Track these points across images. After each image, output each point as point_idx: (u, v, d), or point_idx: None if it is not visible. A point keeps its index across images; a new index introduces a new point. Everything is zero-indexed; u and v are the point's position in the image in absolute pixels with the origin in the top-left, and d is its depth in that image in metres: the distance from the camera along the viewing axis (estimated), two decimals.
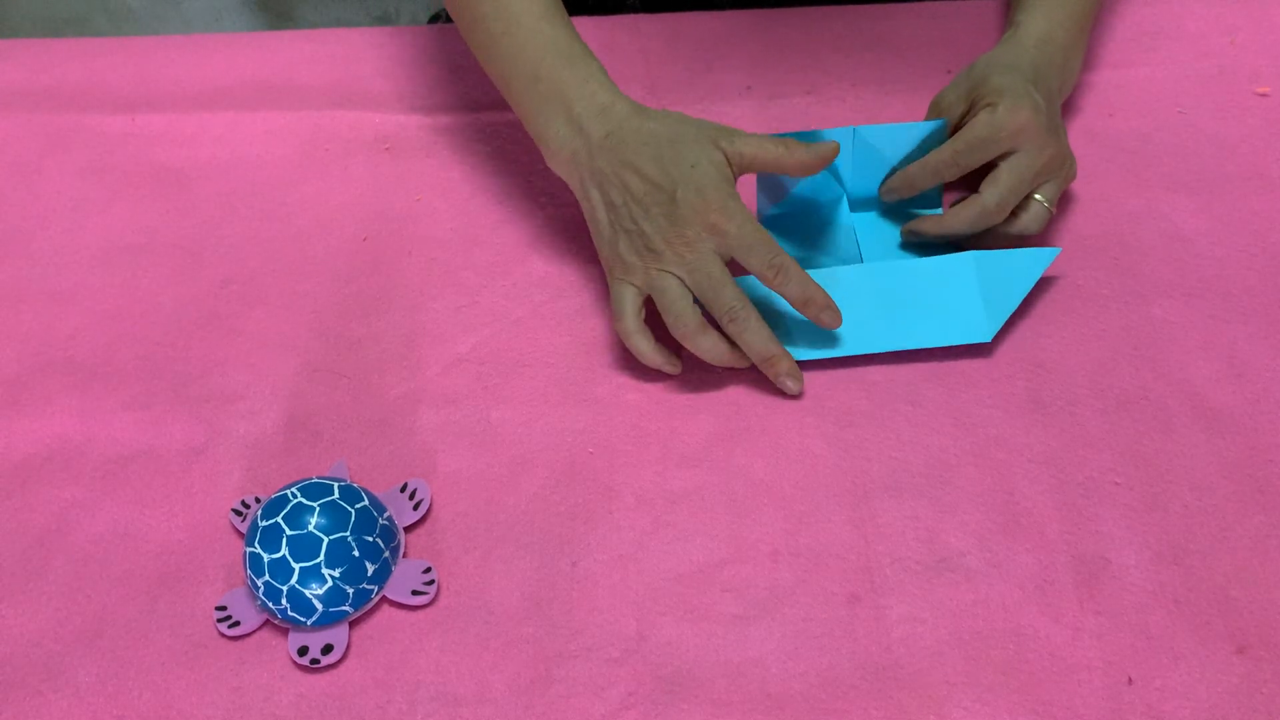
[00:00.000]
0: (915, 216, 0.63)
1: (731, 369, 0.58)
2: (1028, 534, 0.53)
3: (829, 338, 0.59)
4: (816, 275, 0.59)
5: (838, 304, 0.57)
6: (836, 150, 0.58)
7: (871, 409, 0.57)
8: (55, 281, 0.66)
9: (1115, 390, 0.57)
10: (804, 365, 0.59)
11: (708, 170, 0.56)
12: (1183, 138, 0.69)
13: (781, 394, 0.58)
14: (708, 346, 0.56)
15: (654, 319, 0.58)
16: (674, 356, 0.58)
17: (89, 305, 0.65)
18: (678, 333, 0.56)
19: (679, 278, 0.56)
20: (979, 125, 0.59)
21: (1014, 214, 0.60)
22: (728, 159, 0.57)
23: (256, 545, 0.51)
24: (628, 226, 0.57)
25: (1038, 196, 0.60)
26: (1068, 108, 0.71)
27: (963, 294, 0.59)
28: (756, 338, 0.56)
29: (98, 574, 0.54)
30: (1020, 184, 0.59)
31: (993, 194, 0.59)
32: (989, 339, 0.58)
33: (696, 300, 0.57)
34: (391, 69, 0.76)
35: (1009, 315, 0.58)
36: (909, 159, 0.63)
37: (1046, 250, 0.59)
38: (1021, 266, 0.59)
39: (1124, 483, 0.54)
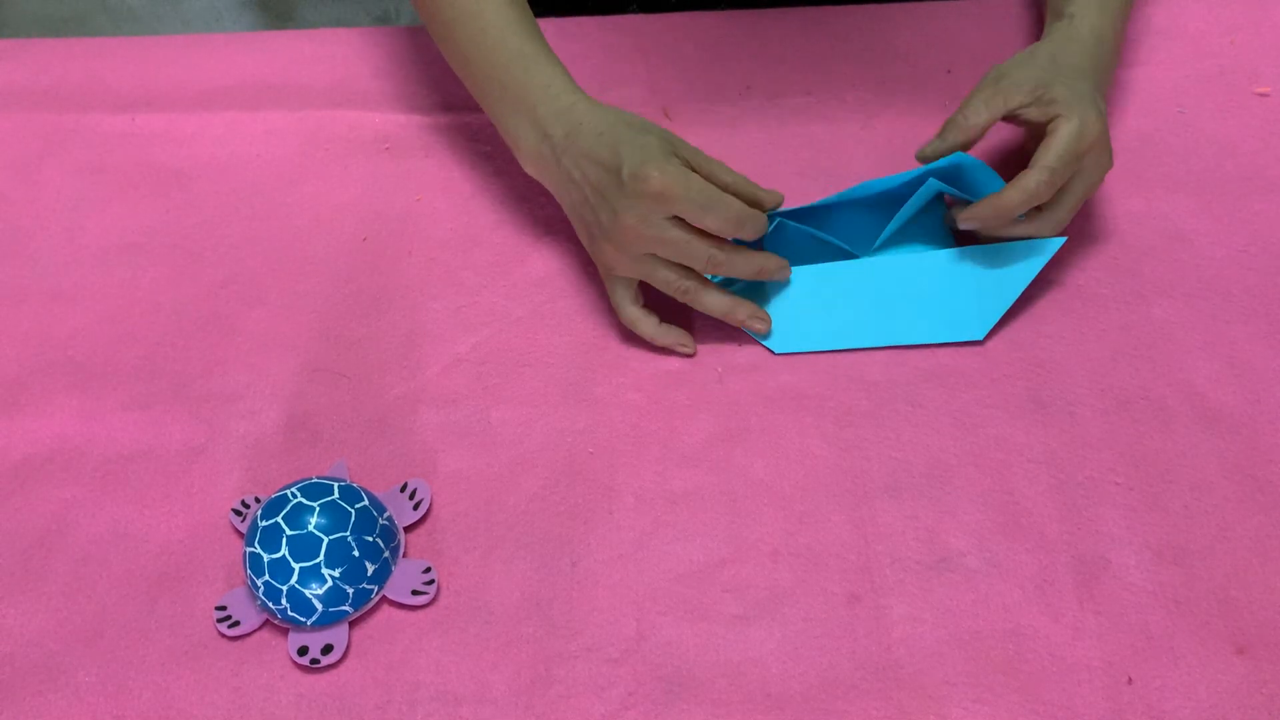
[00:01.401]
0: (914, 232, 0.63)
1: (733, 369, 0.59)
2: (1028, 534, 0.53)
3: (823, 332, 0.59)
4: (813, 271, 0.60)
5: (832, 300, 0.59)
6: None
7: (871, 409, 0.57)
8: (55, 281, 0.66)
9: (1115, 390, 0.57)
10: (804, 366, 0.59)
11: (652, 144, 0.56)
12: (1183, 138, 0.69)
13: (781, 394, 0.58)
14: (711, 302, 0.59)
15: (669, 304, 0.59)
16: (685, 334, 0.60)
17: (89, 305, 0.65)
18: (681, 299, 0.58)
19: (652, 254, 0.57)
20: (1066, 140, 0.56)
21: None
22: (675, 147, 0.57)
23: (256, 545, 0.51)
24: (592, 219, 0.58)
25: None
26: None
27: (959, 289, 0.59)
28: (742, 262, 0.58)
29: (98, 574, 0.54)
30: (1084, 197, 0.59)
31: (1063, 208, 0.58)
32: (980, 337, 0.58)
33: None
34: (391, 69, 0.76)
35: (1003, 311, 0.59)
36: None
37: (1051, 241, 0.59)
38: (1021, 259, 0.59)
39: (1124, 483, 0.54)
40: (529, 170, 0.62)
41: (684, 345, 0.60)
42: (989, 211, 0.57)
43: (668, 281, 0.58)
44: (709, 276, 0.60)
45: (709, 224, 0.56)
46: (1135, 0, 0.67)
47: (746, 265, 0.58)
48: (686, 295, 0.58)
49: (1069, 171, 0.57)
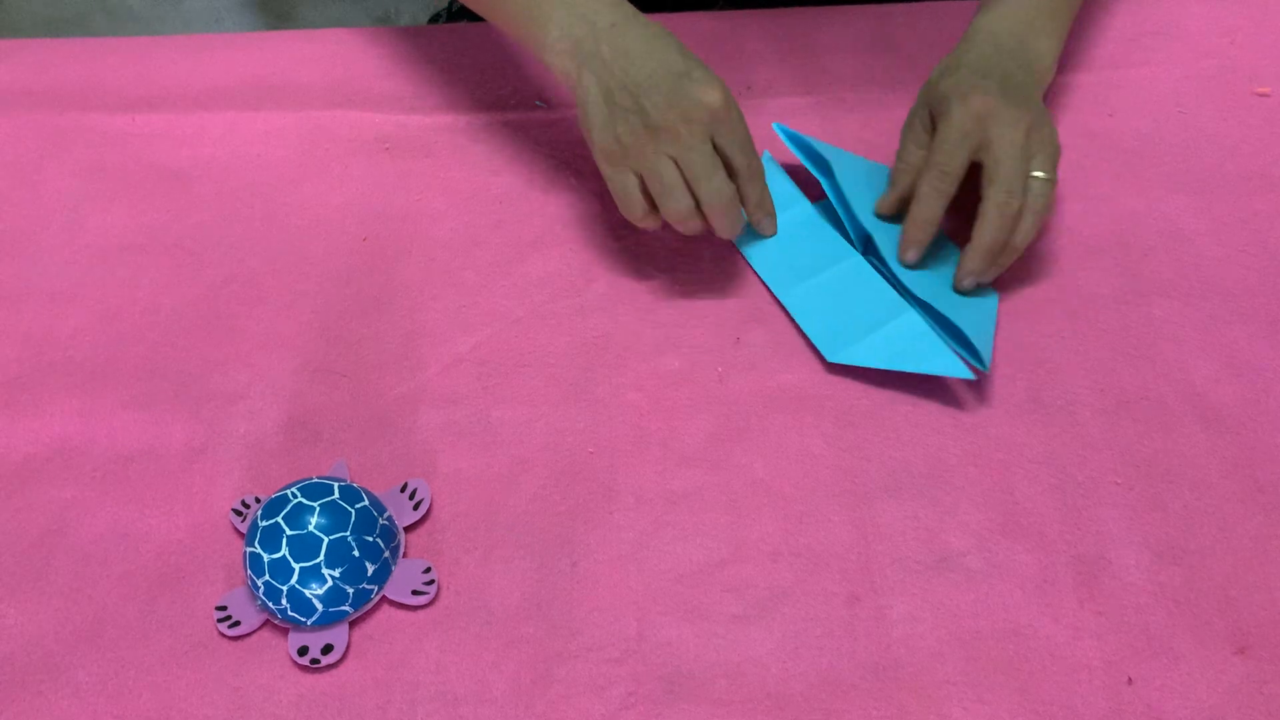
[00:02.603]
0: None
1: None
2: (1028, 534, 0.53)
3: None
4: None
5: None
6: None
7: (871, 409, 0.57)
8: (55, 281, 0.66)
9: (1115, 390, 0.57)
10: (804, 366, 0.59)
11: (711, 73, 0.59)
12: (1183, 138, 0.69)
13: (781, 394, 0.58)
14: (697, 227, 0.60)
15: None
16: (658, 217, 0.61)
17: (89, 305, 0.65)
18: (672, 216, 0.59)
19: (673, 160, 0.58)
20: (944, 128, 0.59)
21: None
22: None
23: (256, 545, 0.51)
24: (627, 106, 0.58)
25: (1036, 173, 0.59)
26: (1067, 108, 0.71)
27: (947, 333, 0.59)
28: (727, 220, 0.60)
29: (98, 574, 0.54)
30: (1014, 160, 0.58)
31: (998, 187, 0.58)
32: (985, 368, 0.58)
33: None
34: (391, 69, 0.76)
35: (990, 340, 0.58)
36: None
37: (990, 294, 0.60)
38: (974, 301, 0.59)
39: (1124, 483, 0.54)
40: (549, 57, 0.61)
41: (695, 222, 0.60)
42: (916, 233, 0.60)
43: (670, 189, 0.58)
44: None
45: (738, 161, 0.59)
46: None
47: (731, 217, 0.60)
48: (683, 225, 0.60)
49: (958, 151, 0.59)
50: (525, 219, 0.67)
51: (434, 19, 0.88)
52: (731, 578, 0.52)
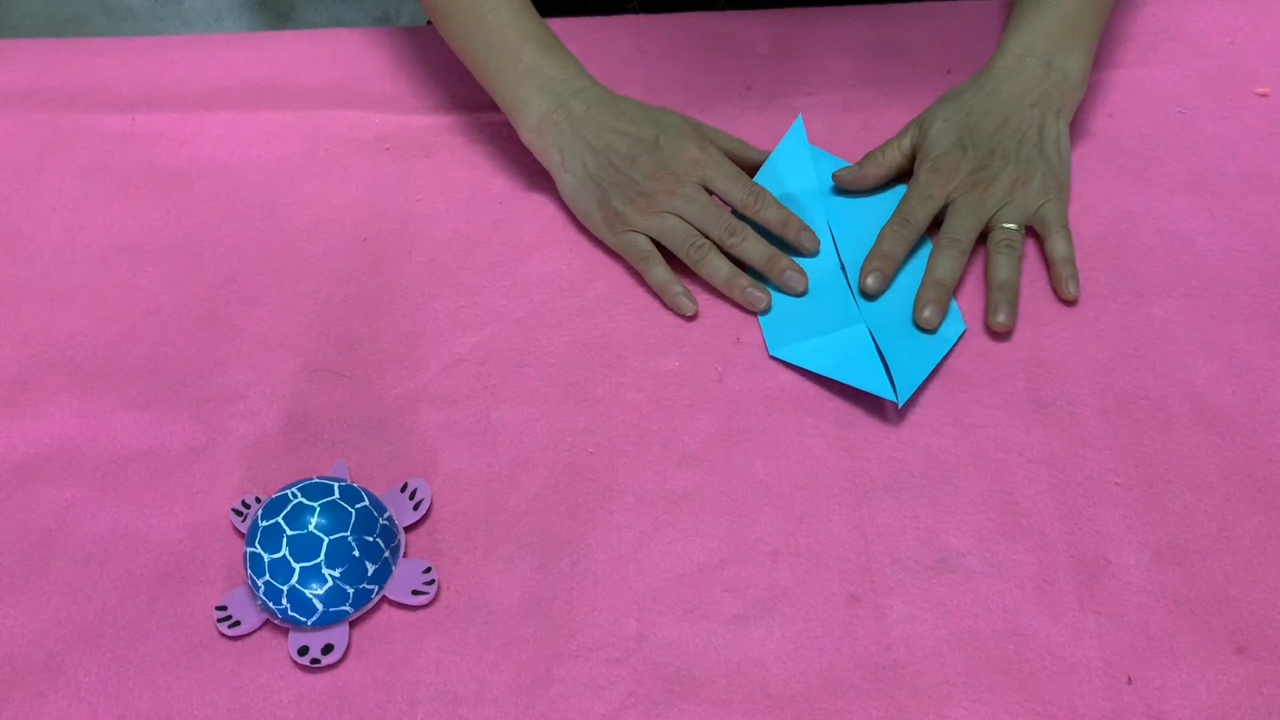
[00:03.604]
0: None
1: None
2: (1028, 534, 0.53)
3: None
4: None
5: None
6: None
7: (871, 409, 0.57)
8: (55, 281, 0.66)
9: (1115, 390, 0.57)
10: (801, 367, 0.59)
11: (680, 122, 0.64)
12: (1183, 138, 0.69)
13: (781, 394, 0.58)
14: (716, 264, 0.61)
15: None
16: (690, 294, 0.62)
17: (89, 305, 0.65)
18: (690, 258, 0.61)
19: (674, 214, 0.62)
20: (913, 182, 0.63)
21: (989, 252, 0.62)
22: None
23: (257, 545, 0.51)
24: (615, 180, 0.62)
25: (1007, 224, 0.62)
26: None
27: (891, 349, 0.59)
28: (756, 244, 0.61)
29: (98, 574, 0.54)
30: (965, 225, 0.61)
31: (942, 232, 0.62)
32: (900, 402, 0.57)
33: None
34: (391, 69, 0.76)
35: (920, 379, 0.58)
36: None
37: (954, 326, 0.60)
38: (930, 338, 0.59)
39: (1124, 483, 0.54)
40: (530, 139, 0.65)
41: (687, 301, 0.61)
42: (880, 265, 0.61)
43: (682, 239, 0.61)
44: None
45: (734, 195, 0.62)
46: (1081, 28, 0.67)
47: (758, 247, 0.61)
48: (698, 252, 0.61)
49: (922, 209, 0.61)
50: (525, 219, 0.67)
51: None
52: (731, 578, 0.52)
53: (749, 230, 0.62)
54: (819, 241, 0.63)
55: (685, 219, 0.62)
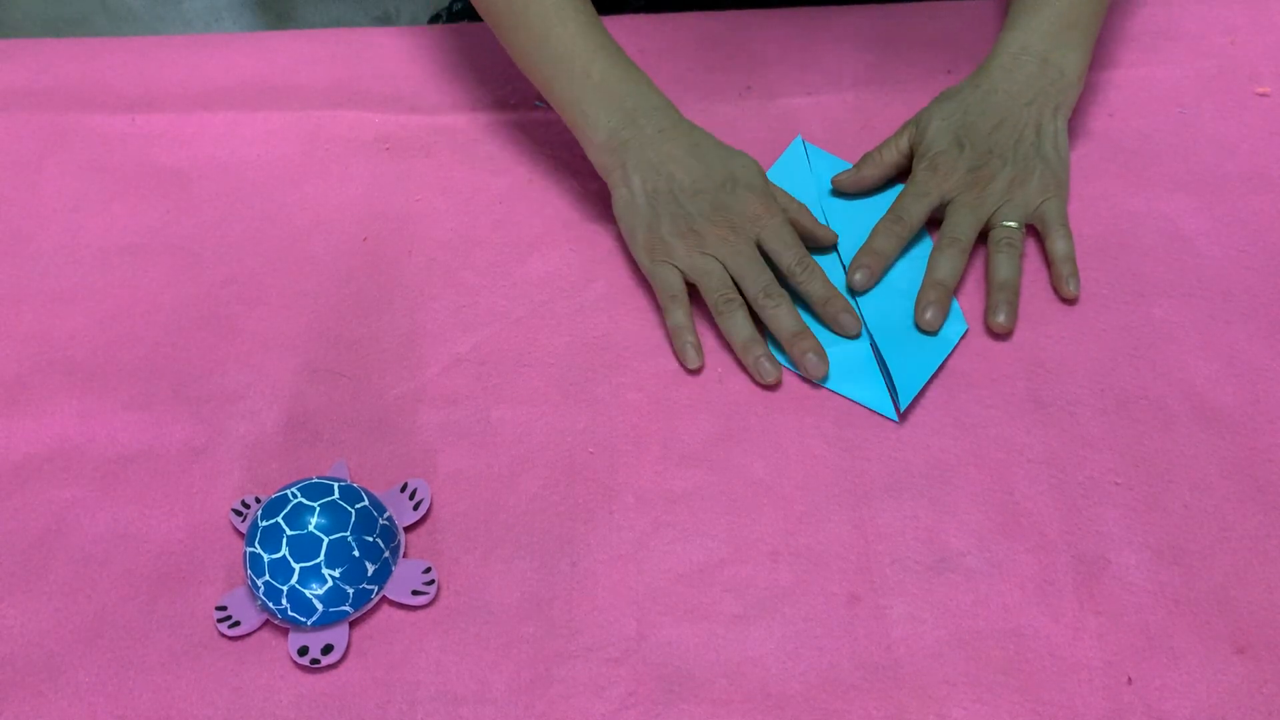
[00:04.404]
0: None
1: (735, 378, 0.59)
2: (1028, 534, 0.53)
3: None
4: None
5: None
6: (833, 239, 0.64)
7: (871, 409, 0.57)
8: (55, 281, 0.66)
9: (1115, 390, 0.57)
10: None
11: (754, 173, 0.62)
12: (1183, 138, 0.69)
13: (781, 394, 0.58)
14: (740, 323, 0.59)
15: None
16: (700, 347, 0.60)
17: (89, 305, 0.65)
18: (717, 308, 0.59)
19: (717, 259, 0.60)
20: (910, 181, 0.63)
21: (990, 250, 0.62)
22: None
23: (257, 545, 0.51)
24: (671, 210, 0.61)
25: (1008, 223, 0.62)
26: None
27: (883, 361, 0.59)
28: (789, 316, 0.59)
29: (98, 574, 0.54)
30: (964, 223, 0.61)
31: (942, 232, 0.62)
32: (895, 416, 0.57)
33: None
34: (391, 69, 0.76)
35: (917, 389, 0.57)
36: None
37: (955, 328, 0.59)
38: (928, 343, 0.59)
39: (1124, 483, 0.54)
40: (594, 152, 0.64)
41: (694, 354, 0.59)
42: (870, 262, 0.61)
43: (715, 286, 0.60)
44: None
45: (785, 259, 0.60)
46: (1083, 25, 0.67)
47: (789, 320, 0.59)
48: (726, 305, 0.59)
49: (918, 207, 0.62)
50: (525, 219, 0.67)
51: (434, 19, 0.88)
52: (731, 578, 0.52)
53: (786, 299, 0.59)
54: (860, 324, 0.60)
55: (727, 267, 0.60)
